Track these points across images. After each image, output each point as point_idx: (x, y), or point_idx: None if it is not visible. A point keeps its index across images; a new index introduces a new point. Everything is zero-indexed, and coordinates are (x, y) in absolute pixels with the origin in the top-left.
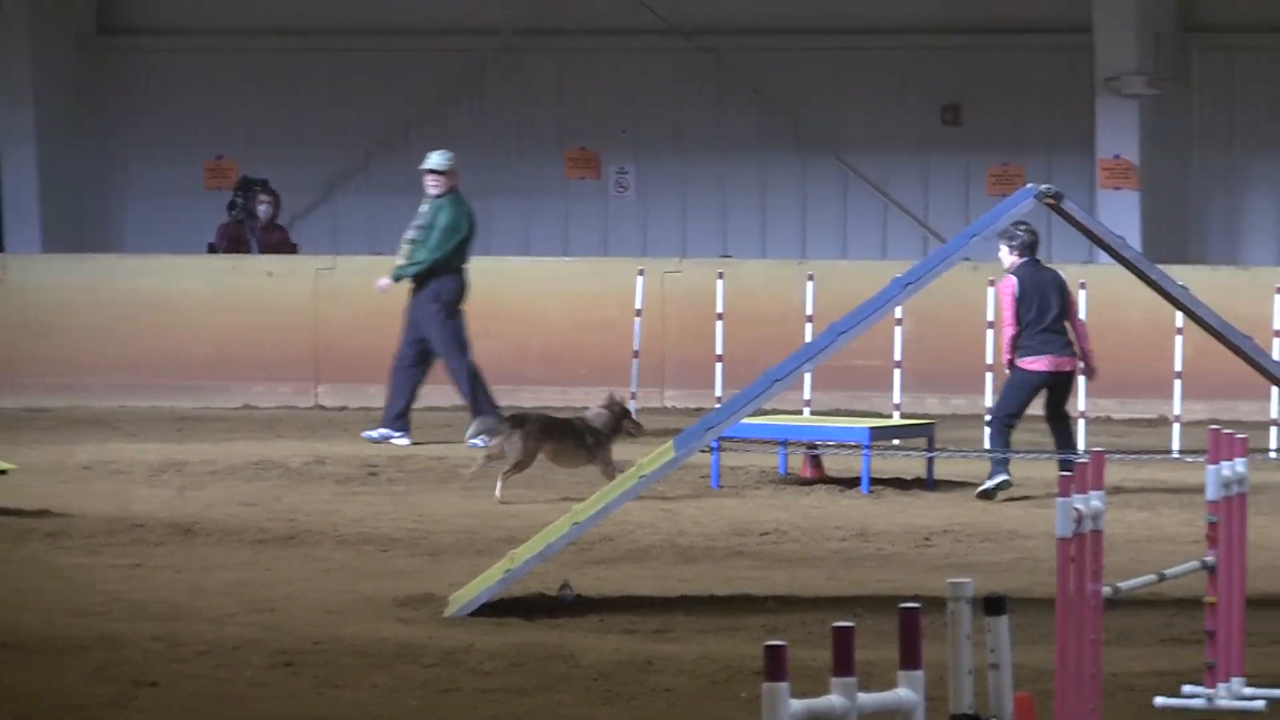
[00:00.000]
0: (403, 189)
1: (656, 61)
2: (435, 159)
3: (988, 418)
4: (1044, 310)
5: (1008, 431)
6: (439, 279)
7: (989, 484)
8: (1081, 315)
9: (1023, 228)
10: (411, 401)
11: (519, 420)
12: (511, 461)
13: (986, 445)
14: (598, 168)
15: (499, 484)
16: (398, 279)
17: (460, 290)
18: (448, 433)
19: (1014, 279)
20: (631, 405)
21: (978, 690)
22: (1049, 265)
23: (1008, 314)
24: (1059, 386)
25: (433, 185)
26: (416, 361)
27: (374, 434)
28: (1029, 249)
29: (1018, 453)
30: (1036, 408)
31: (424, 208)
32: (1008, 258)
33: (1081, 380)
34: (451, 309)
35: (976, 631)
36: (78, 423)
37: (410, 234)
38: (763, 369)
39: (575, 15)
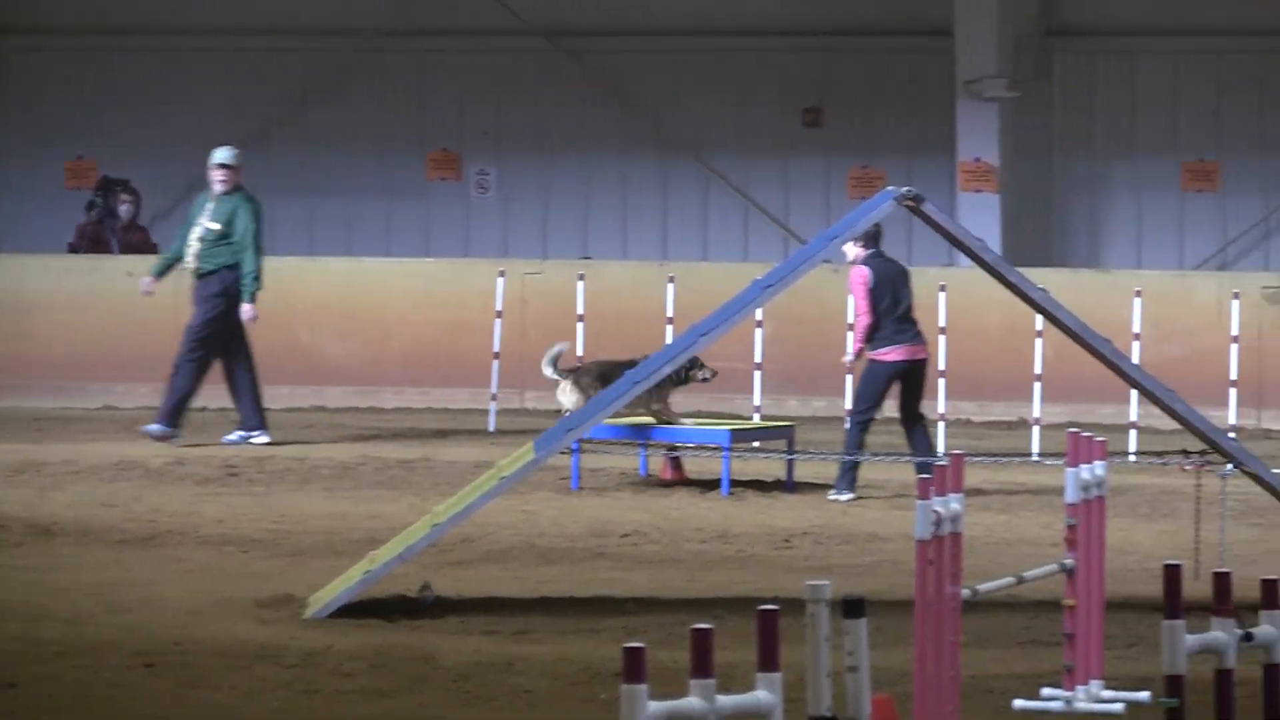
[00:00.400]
0: (265, 189)
1: (517, 63)
2: (225, 154)
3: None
4: (896, 301)
5: (864, 433)
6: (228, 273)
7: (839, 498)
8: (942, 321)
9: None
10: (258, 397)
11: (574, 370)
12: (570, 410)
13: (844, 449)
14: (459, 169)
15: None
16: (250, 297)
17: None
18: (309, 433)
19: (867, 269)
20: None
21: (836, 692)
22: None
23: (864, 304)
24: (912, 377)
25: (221, 180)
26: (237, 358)
27: (233, 437)
28: (873, 240)
29: (877, 456)
30: (894, 409)
31: (208, 204)
32: (853, 250)
33: (940, 383)
34: (232, 307)
35: (835, 634)
36: None
37: (199, 232)
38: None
39: (436, 16)
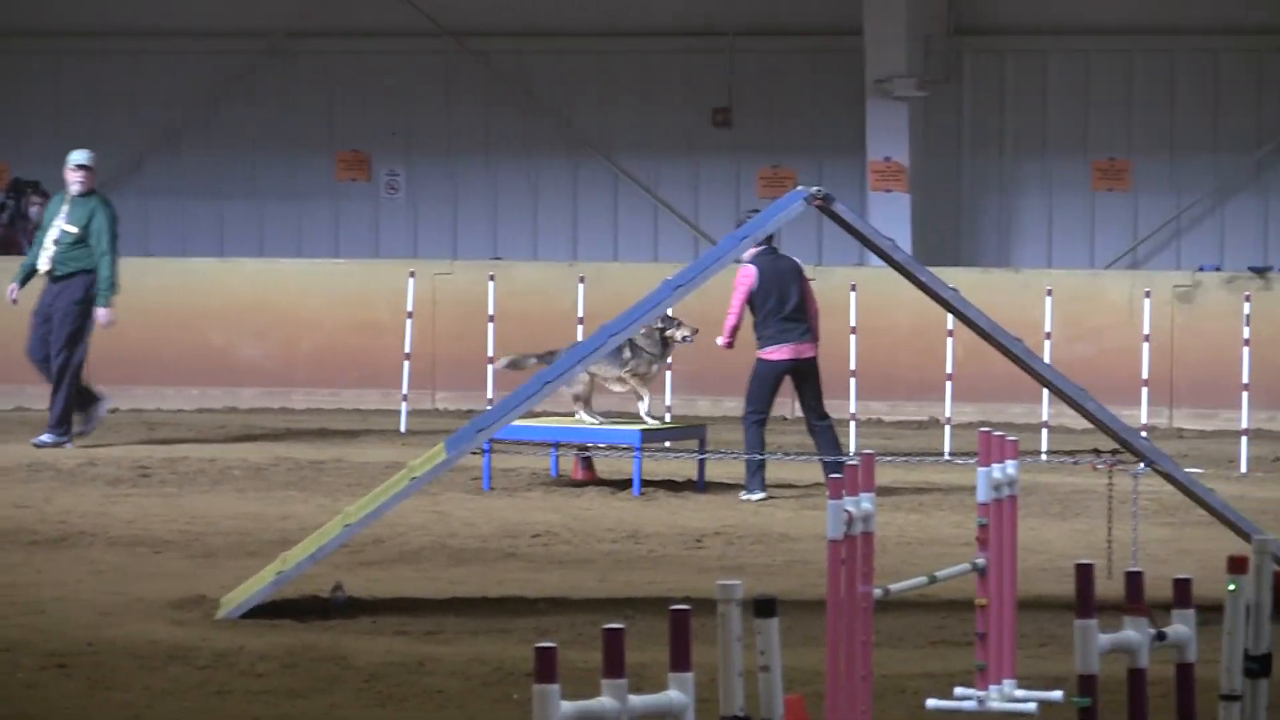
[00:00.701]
0: (175, 191)
1: (426, 63)
2: (83, 155)
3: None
4: (784, 299)
5: (762, 430)
6: (84, 277)
7: (751, 497)
8: (853, 321)
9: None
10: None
11: (553, 353)
12: (573, 394)
13: (745, 450)
14: (368, 170)
15: (581, 413)
16: (106, 301)
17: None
18: (221, 434)
19: (754, 269)
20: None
21: (748, 692)
22: (785, 254)
23: (738, 302)
24: (801, 376)
25: (80, 182)
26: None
27: (44, 439)
28: (766, 237)
29: (789, 454)
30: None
31: (64, 206)
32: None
33: (851, 382)
34: (89, 308)
35: (747, 633)
36: None
37: (55, 234)
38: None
39: (344, 17)
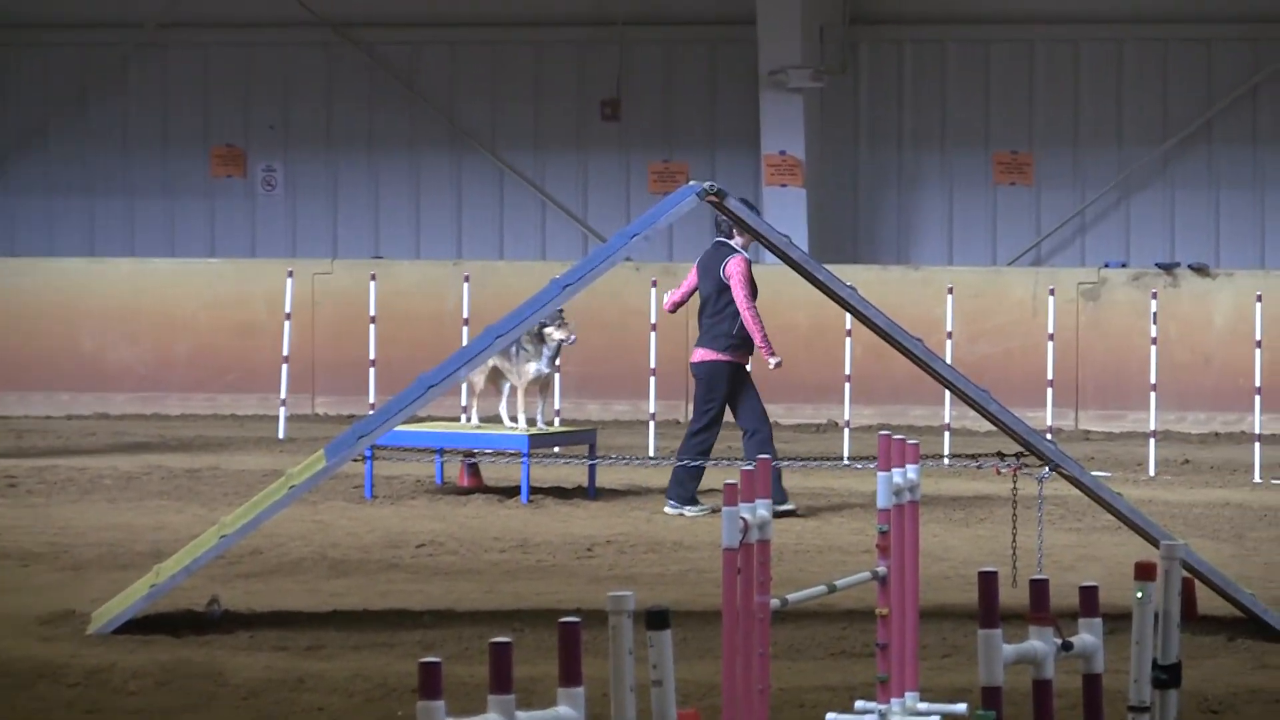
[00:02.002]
0: (43, 189)
1: (305, 55)
2: None
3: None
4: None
5: (695, 440)
6: None
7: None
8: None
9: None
10: None
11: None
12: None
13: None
14: (244, 165)
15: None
16: None
17: None
18: (91, 442)
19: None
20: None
21: (641, 707)
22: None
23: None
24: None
25: None
26: None
27: None
28: (718, 226)
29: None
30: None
31: None
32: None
33: None
34: None
35: (639, 646)
36: None
37: None
38: (417, 374)
39: (220, 7)
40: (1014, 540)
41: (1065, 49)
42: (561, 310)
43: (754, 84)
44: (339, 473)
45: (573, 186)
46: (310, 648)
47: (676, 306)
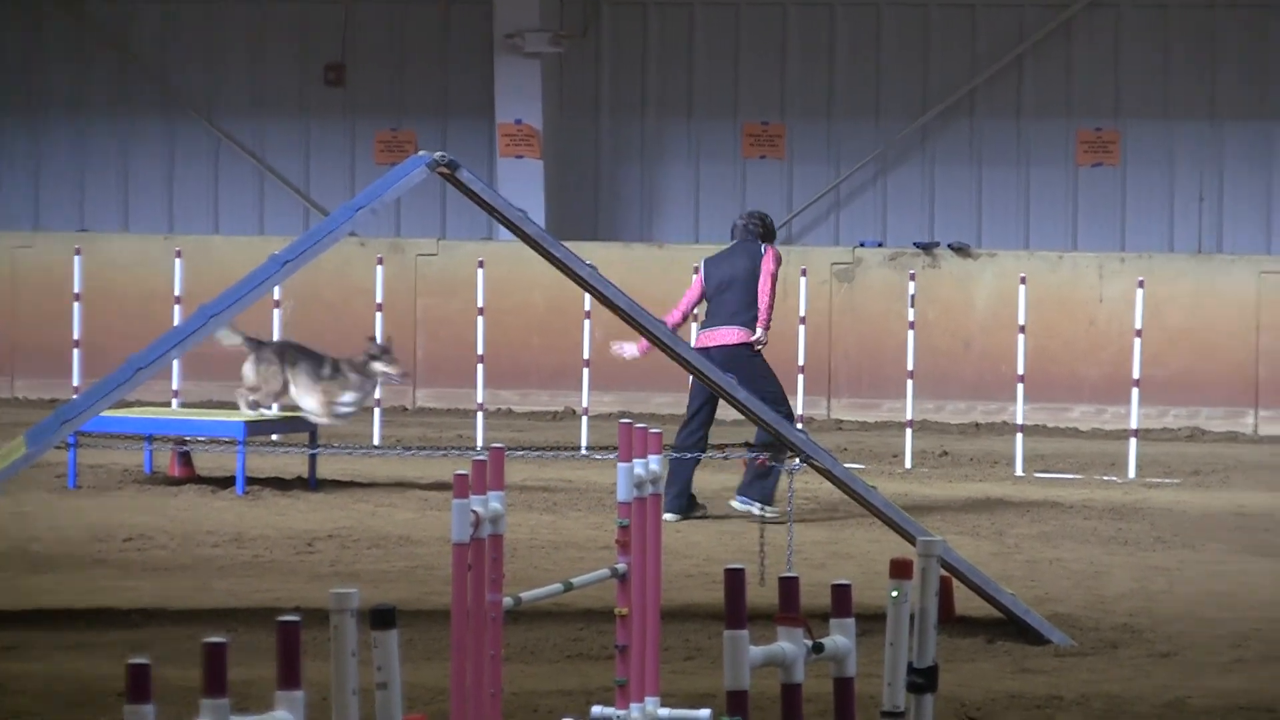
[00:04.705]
0: None
1: (6, 11)
2: None
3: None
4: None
5: (687, 436)
6: None
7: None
8: (480, 301)
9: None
10: None
11: (260, 343)
12: (248, 385)
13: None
14: None
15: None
16: None
17: None
18: None
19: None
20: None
21: (365, 712)
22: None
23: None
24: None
25: None
26: None
27: None
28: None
29: (410, 449)
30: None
31: None
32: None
33: (479, 369)
34: None
35: (363, 647)
36: None
37: None
38: (126, 355)
39: None
40: (762, 536)
41: (820, 13)
42: (390, 339)
43: (489, 48)
44: (40, 461)
45: (294, 157)
46: (8, 648)
47: (685, 318)
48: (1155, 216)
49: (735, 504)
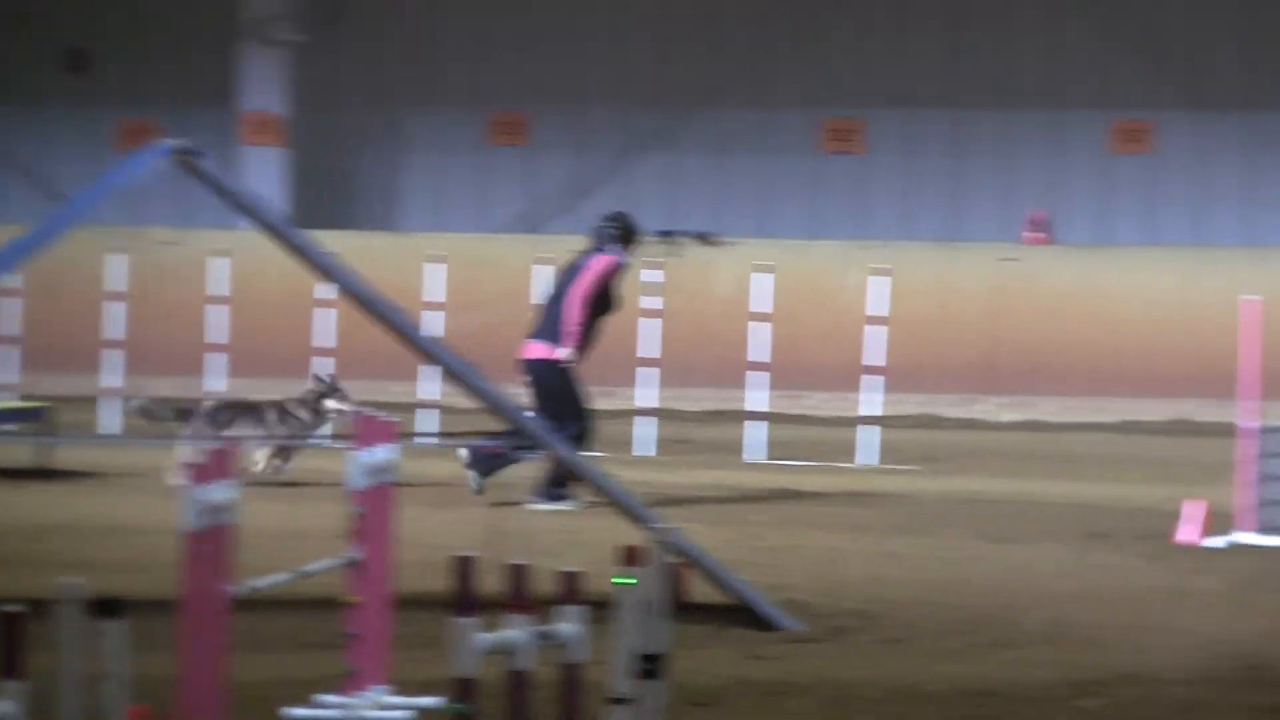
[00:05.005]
0: None
1: None
2: None
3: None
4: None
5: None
6: None
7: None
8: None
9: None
10: None
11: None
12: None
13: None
14: None
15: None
16: None
17: None
18: None
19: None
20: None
21: (90, 703)
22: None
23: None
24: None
25: None
26: None
27: None
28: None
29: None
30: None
31: None
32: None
33: (217, 358)
34: None
35: (89, 637)
36: None
37: None
38: None
39: None
40: (493, 524)
41: (570, 3)
42: (334, 377)
43: (232, 35)
44: None
45: (32, 143)
46: None
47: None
48: (898, 205)
49: (533, 505)
